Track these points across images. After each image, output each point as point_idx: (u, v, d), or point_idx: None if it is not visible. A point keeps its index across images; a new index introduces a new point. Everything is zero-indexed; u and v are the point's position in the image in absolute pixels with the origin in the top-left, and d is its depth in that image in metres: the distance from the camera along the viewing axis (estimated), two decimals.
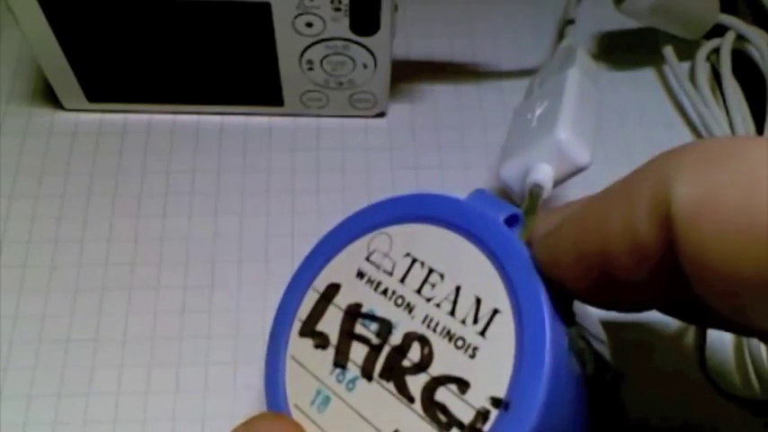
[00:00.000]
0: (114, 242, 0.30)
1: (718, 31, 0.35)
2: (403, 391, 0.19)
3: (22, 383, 0.28)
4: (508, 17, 0.37)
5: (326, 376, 0.20)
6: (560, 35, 0.35)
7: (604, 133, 0.34)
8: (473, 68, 0.35)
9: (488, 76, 0.35)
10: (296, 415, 0.21)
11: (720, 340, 0.29)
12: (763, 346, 0.29)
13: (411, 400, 0.19)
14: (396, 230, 0.21)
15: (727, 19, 0.35)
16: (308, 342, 0.21)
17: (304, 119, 0.33)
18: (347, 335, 0.20)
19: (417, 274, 0.20)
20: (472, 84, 0.35)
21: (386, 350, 0.20)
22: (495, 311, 0.19)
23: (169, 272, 0.30)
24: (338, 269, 0.22)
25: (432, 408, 0.18)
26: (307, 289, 0.22)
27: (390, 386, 0.19)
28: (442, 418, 0.18)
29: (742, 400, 0.27)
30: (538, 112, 0.28)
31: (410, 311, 0.20)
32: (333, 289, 0.21)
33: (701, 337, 0.28)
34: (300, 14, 0.28)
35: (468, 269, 0.19)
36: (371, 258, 0.21)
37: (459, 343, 0.19)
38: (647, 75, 0.36)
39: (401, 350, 0.19)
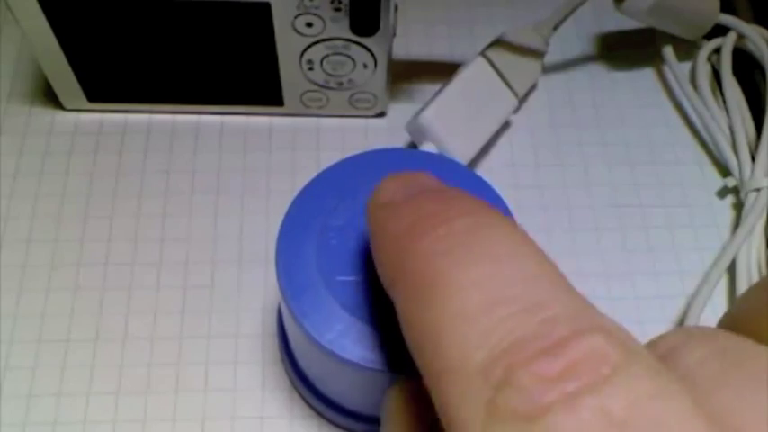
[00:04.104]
0: (114, 242, 0.30)
1: (719, 31, 0.35)
2: None
3: (22, 383, 0.28)
4: (508, 18, 0.37)
5: None
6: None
7: (604, 133, 0.34)
8: None
9: None
10: None
11: None
12: None
13: None
14: None
15: (727, 19, 0.35)
16: None
17: (304, 119, 0.33)
18: None
19: None
20: None
21: None
22: None
23: (169, 272, 0.30)
24: None
25: None
26: None
27: None
28: None
29: None
30: None
31: None
32: None
33: None
34: (300, 14, 0.28)
35: None
36: None
37: None
38: (647, 75, 0.36)
39: None
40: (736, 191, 0.33)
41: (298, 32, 0.29)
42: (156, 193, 0.32)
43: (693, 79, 0.35)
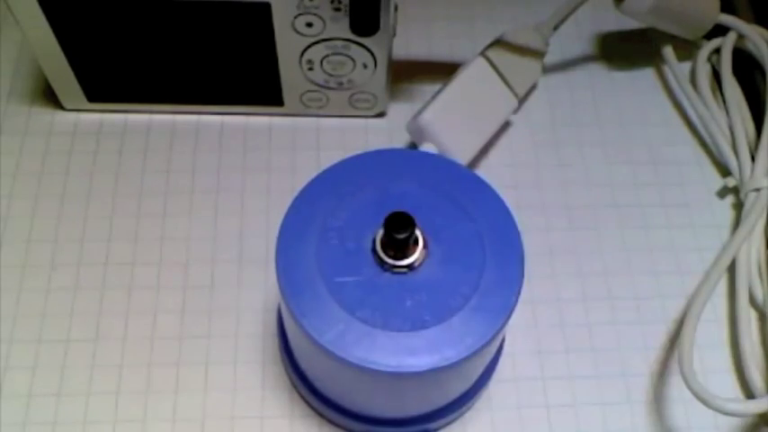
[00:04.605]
0: (114, 242, 0.30)
1: (719, 31, 0.35)
2: None
3: (22, 383, 0.28)
4: (508, 17, 0.37)
5: None
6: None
7: (604, 133, 0.34)
8: None
9: None
10: None
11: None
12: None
13: None
14: None
15: (727, 19, 0.35)
16: None
17: (304, 119, 0.33)
18: None
19: None
20: None
21: None
22: None
23: (169, 272, 0.30)
24: None
25: None
26: None
27: None
28: None
29: None
30: None
31: None
32: None
33: None
34: (300, 14, 0.28)
35: None
36: None
37: None
38: (647, 75, 0.36)
39: None
40: (736, 191, 0.33)
41: (298, 32, 0.29)
42: (156, 193, 0.32)
43: (693, 79, 0.35)
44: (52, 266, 0.30)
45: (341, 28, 0.29)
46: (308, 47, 0.30)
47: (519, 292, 0.23)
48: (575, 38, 0.36)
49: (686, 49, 0.36)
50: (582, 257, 0.31)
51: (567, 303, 0.30)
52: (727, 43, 0.35)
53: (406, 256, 0.23)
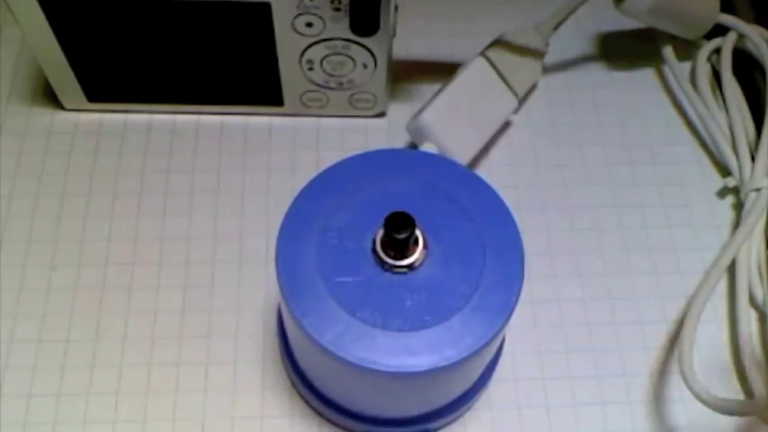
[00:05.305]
0: (114, 242, 0.30)
1: (719, 31, 0.35)
2: None
3: (21, 383, 0.28)
4: (508, 17, 0.37)
5: None
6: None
7: (604, 133, 0.34)
8: None
9: None
10: None
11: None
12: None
13: None
14: None
15: (727, 19, 0.35)
16: None
17: (304, 119, 0.33)
18: None
19: None
20: None
21: None
22: None
23: (169, 272, 0.30)
24: None
25: None
26: None
27: None
28: None
29: None
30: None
31: None
32: None
33: None
34: (300, 14, 0.28)
35: None
36: None
37: None
38: (647, 75, 0.36)
39: None
40: (736, 191, 0.33)
41: (298, 32, 0.29)
42: (155, 193, 0.32)
43: (693, 79, 0.35)
44: (52, 266, 0.30)
45: (341, 28, 0.29)
46: (308, 47, 0.30)
47: (519, 292, 0.23)
48: (575, 38, 0.36)
49: (686, 49, 0.36)
50: (582, 257, 0.31)
51: (567, 303, 0.30)
52: (727, 43, 0.35)
53: (406, 256, 0.23)
